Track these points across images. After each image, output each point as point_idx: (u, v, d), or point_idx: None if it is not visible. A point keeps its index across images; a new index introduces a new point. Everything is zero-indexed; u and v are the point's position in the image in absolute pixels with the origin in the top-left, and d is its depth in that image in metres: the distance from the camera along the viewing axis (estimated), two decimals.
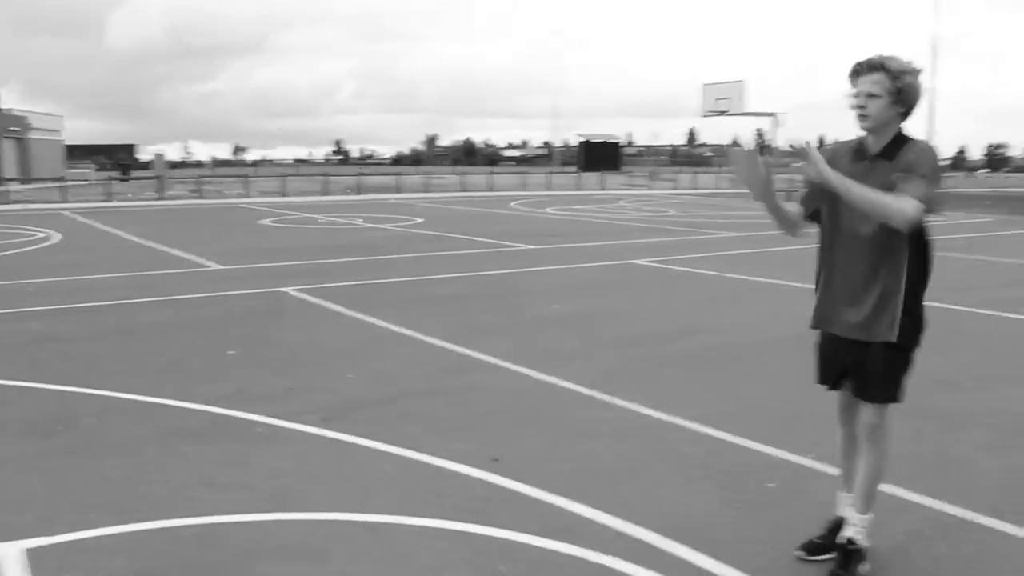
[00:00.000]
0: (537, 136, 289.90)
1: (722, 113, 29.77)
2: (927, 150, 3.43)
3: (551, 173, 53.35)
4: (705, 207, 30.50)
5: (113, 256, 14.79)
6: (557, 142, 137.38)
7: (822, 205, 3.65)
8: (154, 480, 4.57)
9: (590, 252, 15.65)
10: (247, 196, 35.40)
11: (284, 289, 10.81)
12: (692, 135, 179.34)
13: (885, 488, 4.13)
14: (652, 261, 14.16)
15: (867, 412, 3.61)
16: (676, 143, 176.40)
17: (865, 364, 3.56)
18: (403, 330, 8.34)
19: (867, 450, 3.64)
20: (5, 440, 5.22)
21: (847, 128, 3.55)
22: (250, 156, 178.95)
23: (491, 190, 42.53)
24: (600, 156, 70.08)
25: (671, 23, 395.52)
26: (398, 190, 40.31)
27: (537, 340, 8.11)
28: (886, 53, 3.48)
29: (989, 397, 6.25)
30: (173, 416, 5.67)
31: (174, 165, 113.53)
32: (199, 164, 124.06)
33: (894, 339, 3.49)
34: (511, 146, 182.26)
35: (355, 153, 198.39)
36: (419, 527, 3.99)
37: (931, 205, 3.36)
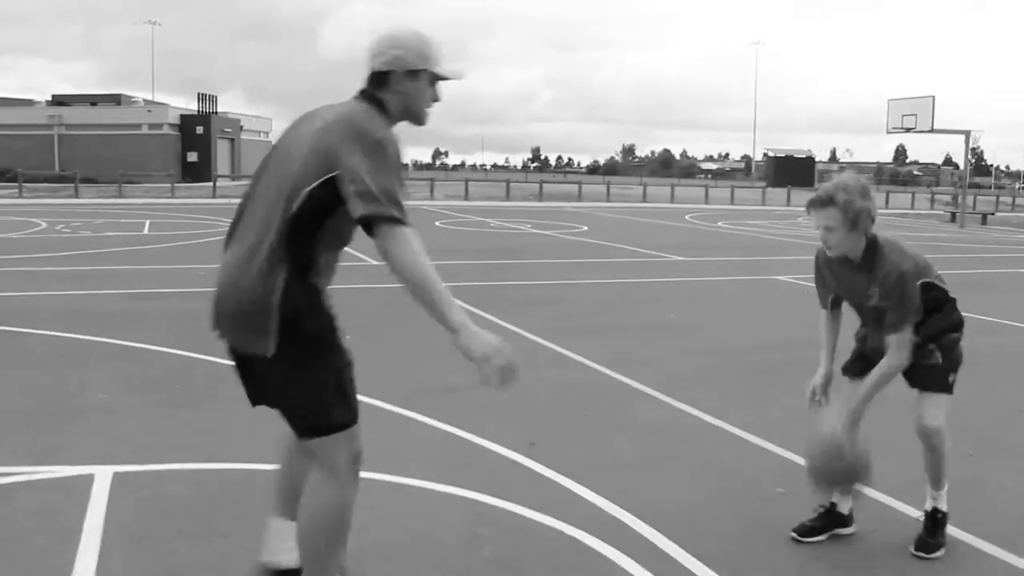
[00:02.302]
0: (737, 149, 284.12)
1: (908, 130, 28.58)
2: (898, 288, 3.68)
3: (735, 187, 52.54)
4: (887, 228, 29.29)
5: None
6: (757, 156, 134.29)
7: (831, 292, 4.22)
8: (238, 432, 5.34)
9: (736, 266, 15.67)
10: (431, 199, 37.12)
11: None
12: (902, 152, 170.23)
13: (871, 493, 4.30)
14: (795, 278, 14.04)
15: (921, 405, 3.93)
16: (883, 160, 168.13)
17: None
18: (508, 326, 8.89)
19: (923, 440, 3.94)
20: (125, 392, 6.22)
21: None
22: (450, 160, 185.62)
23: (671, 202, 42.49)
24: (790, 171, 68.27)
25: (874, 37, 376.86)
26: (579, 198, 41.00)
27: (632, 344, 8.46)
28: (835, 182, 3.71)
29: None
30: None
31: None
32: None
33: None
34: (709, 158, 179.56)
35: (552, 160, 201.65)
36: (430, 490, 4.53)
37: (911, 322, 3.76)
